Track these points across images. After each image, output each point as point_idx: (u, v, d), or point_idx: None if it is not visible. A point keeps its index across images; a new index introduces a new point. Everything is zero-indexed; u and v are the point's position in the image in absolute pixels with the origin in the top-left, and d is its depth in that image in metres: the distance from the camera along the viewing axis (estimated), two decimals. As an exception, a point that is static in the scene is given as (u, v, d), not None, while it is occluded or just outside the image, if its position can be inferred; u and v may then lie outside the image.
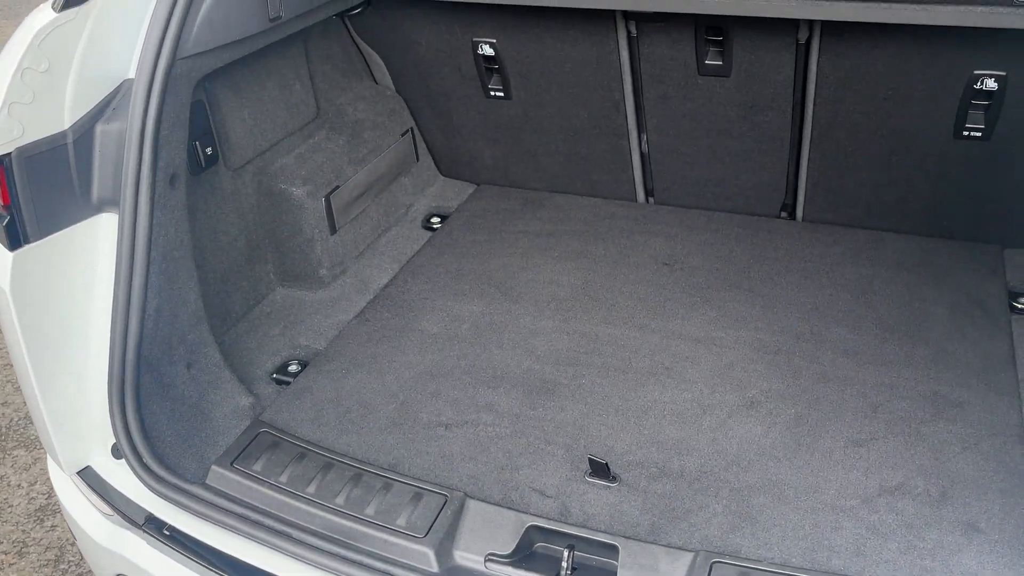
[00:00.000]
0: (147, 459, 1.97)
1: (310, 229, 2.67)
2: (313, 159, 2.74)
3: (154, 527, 1.96)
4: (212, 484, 1.97)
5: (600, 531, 1.83)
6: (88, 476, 2.09)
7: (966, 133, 2.49)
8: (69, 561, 3.55)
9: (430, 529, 1.82)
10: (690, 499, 1.91)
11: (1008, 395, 2.11)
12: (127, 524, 2.02)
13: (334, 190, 2.73)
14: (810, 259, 2.72)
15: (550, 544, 1.82)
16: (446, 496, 1.90)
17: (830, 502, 1.88)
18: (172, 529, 1.93)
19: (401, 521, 1.84)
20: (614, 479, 1.97)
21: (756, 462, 2.00)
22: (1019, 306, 2.43)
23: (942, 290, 2.51)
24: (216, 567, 1.86)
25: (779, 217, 2.95)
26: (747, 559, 1.74)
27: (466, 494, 1.91)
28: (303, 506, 1.90)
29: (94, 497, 2.07)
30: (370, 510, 1.88)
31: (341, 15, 2.92)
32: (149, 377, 2.04)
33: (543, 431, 2.13)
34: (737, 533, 1.82)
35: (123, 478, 2.05)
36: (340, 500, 1.90)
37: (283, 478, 1.96)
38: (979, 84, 2.38)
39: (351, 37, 3.09)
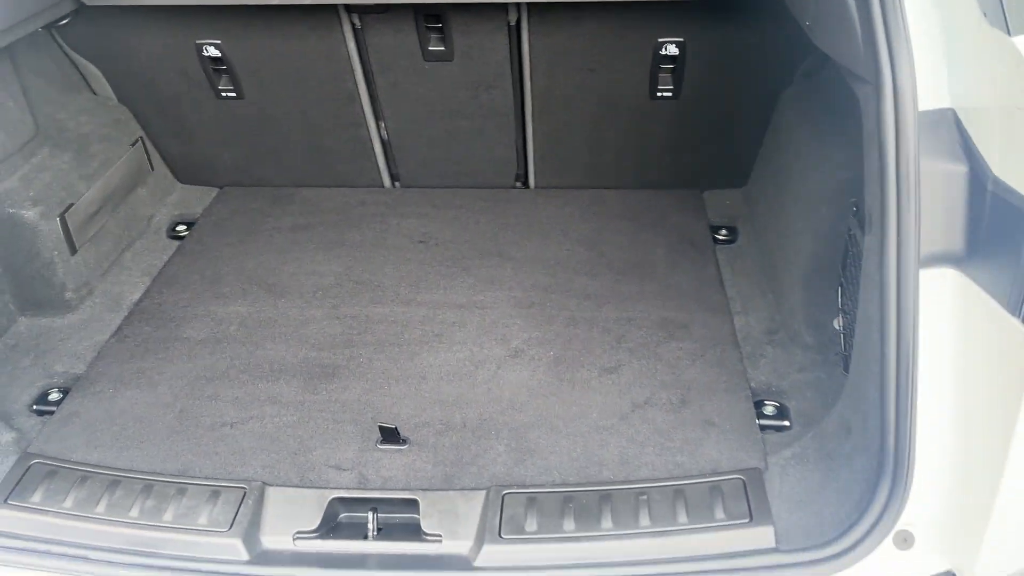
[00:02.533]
0: None
1: (48, 252, 2.54)
2: (40, 178, 2.60)
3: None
4: None
5: (398, 489, 1.96)
6: None
7: (659, 94, 2.87)
8: None
9: (233, 521, 1.86)
10: (476, 445, 2.09)
11: (721, 312, 2.49)
12: None
13: (68, 208, 2.61)
14: (547, 221, 3.00)
15: (354, 512, 1.93)
16: (244, 488, 1.94)
17: (594, 424, 2.13)
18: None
19: (202, 520, 1.86)
20: (404, 442, 2.10)
21: (528, 402, 2.22)
22: (720, 238, 2.86)
23: (659, 233, 2.88)
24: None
25: (514, 187, 3.21)
26: (532, 486, 1.95)
27: (264, 483, 1.96)
28: (95, 526, 1.85)
29: None
30: (168, 516, 1.88)
31: (48, 27, 2.77)
32: None
33: (330, 412, 2.21)
34: (521, 466, 2.02)
35: None
36: (134, 513, 1.88)
37: (67, 503, 1.90)
38: (664, 50, 2.75)
39: (62, 50, 2.94)
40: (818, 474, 1.87)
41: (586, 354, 2.38)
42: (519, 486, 1.94)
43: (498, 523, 1.83)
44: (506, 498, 1.89)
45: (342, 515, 1.93)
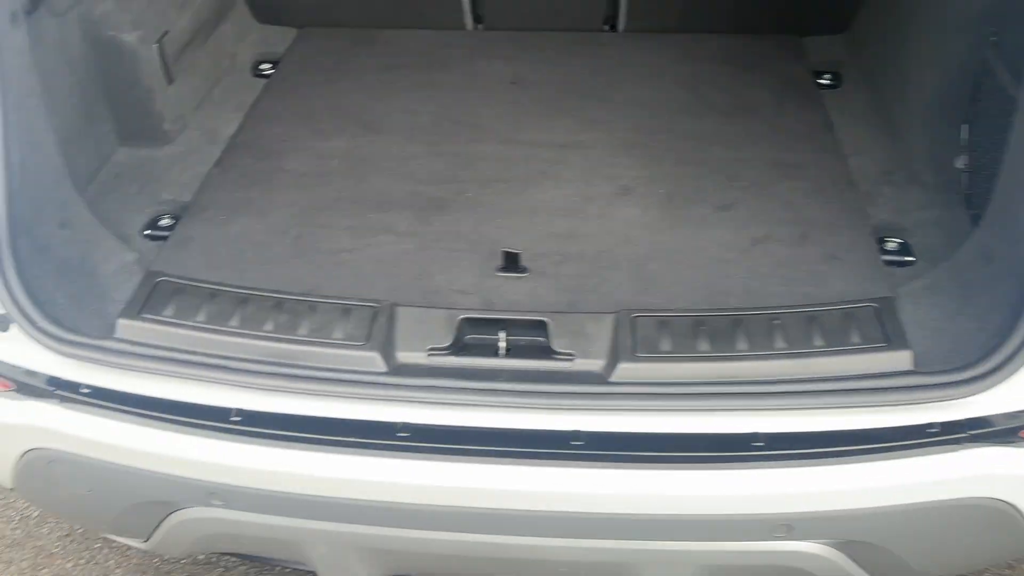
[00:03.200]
0: (42, 323, 1.85)
1: (147, 79, 2.50)
2: (135, 2, 2.52)
3: (69, 389, 1.86)
4: (123, 337, 1.90)
5: (525, 312, 1.97)
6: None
7: None
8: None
9: (369, 336, 1.88)
10: (595, 275, 2.09)
11: (833, 152, 2.45)
12: (29, 395, 1.91)
13: (164, 35, 2.55)
14: (640, 64, 2.92)
15: (483, 331, 1.94)
16: (375, 306, 1.95)
17: (714, 257, 2.13)
18: (92, 388, 1.85)
19: (338, 334, 1.89)
20: (524, 270, 2.11)
21: (643, 237, 2.21)
22: (823, 83, 2.79)
23: (760, 77, 2.80)
24: (154, 414, 1.82)
25: (603, 31, 3.11)
26: (658, 310, 1.95)
27: (393, 303, 1.98)
28: (231, 339, 1.88)
29: (-16, 376, 1.93)
30: (303, 331, 1.90)
31: None
32: (25, 241, 1.89)
33: (445, 242, 2.21)
34: (644, 294, 2.03)
35: (10, 350, 1.92)
36: (269, 327, 1.90)
37: (200, 317, 1.93)
38: None
39: None
40: (953, 302, 1.87)
41: (699, 192, 2.35)
42: (648, 310, 1.95)
43: (631, 343, 1.85)
44: (637, 320, 1.90)
45: (472, 334, 1.95)
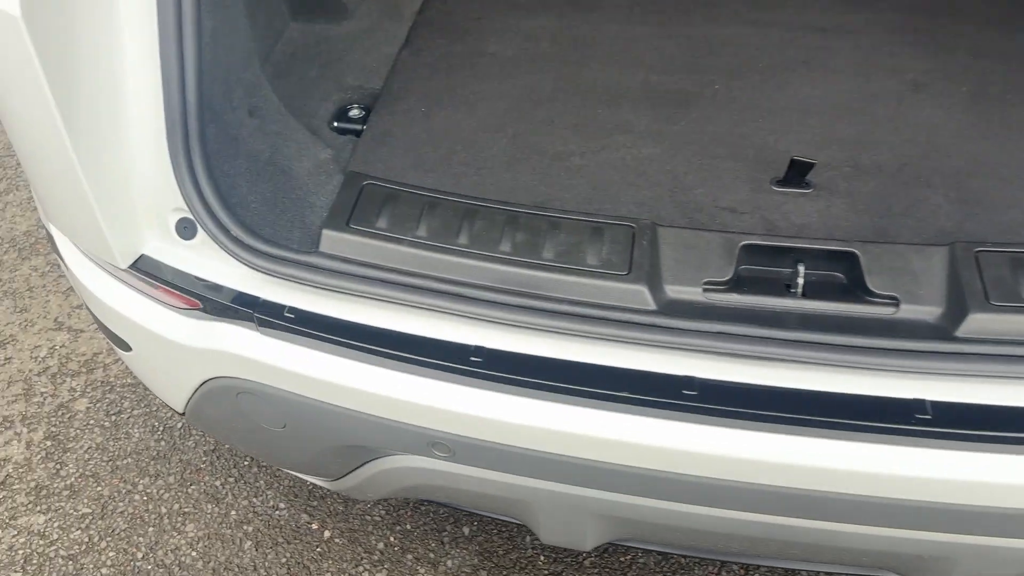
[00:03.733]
0: (237, 232, 1.53)
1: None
2: None
3: (268, 312, 1.55)
4: (329, 251, 1.56)
5: (824, 239, 1.56)
6: (147, 266, 1.63)
7: None
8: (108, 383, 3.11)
9: (631, 264, 1.50)
10: (903, 194, 1.66)
11: None
12: (219, 316, 1.60)
13: None
14: None
15: (771, 263, 1.55)
16: (632, 227, 1.57)
17: None
18: (298, 312, 1.53)
19: (592, 260, 1.51)
20: (808, 185, 1.68)
21: (954, 146, 1.75)
22: None
23: None
24: (373, 348, 1.49)
25: None
26: (1004, 244, 1.52)
27: (653, 221, 1.59)
28: (462, 260, 1.52)
29: (164, 291, 1.62)
30: (548, 254, 1.53)
31: None
32: (214, 128, 1.55)
33: (699, 145, 1.79)
34: (973, 221, 1.59)
35: (198, 262, 1.60)
36: (506, 247, 1.54)
37: (422, 231, 1.57)
38: None
39: None
40: None
41: (1011, 92, 1.86)
42: (993, 244, 1.51)
43: (980, 286, 1.43)
44: (981, 256, 1.48)
45: (757, 265, 1.55)
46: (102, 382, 3.02)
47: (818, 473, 1.38)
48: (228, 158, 1.57)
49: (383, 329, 1.49)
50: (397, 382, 1.48)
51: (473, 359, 1.44)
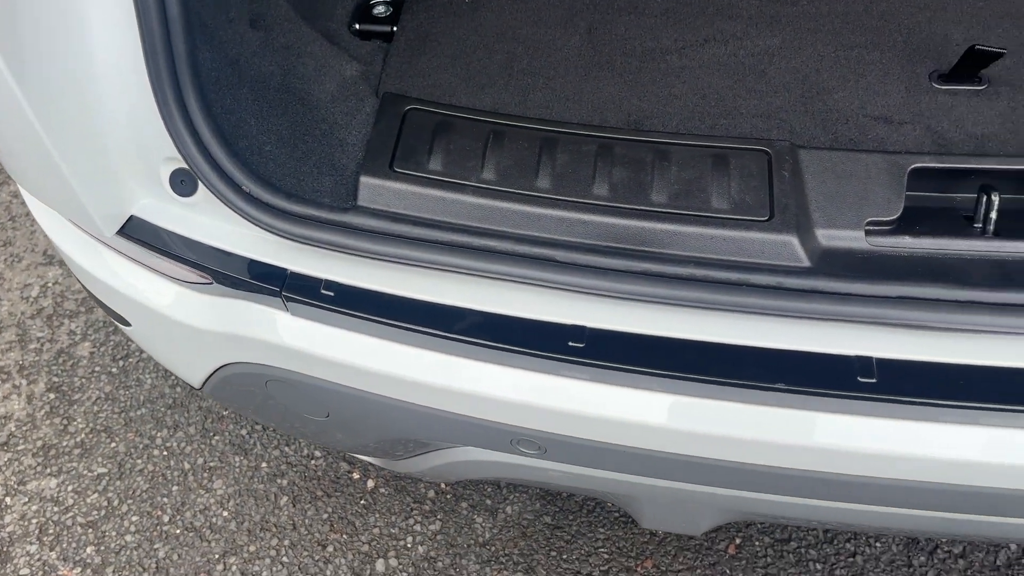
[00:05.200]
0: (248, 185, 1.16)
1: None
2: None
3: (299, 288, 1.20)
4: (370, 205, 1.20)
5: (1015, 156, 1.19)
6: (139, 231, 1.27)
7: None
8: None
9: (772, 205, 1.14)
10: (1110, 87, 1.27)
11: None
12: (235, 291, 1.26)
13: None
14: None
15: (949, 191, 1.19)
16: (767, 152, 1.20)
17: None
18: (336, 286, 1.18)
19: (719, 203, 1.15)
20: (981, 80, 1.30)
21: None
22: None
23: None
24: (437, 332, 1.15)
25: None
26: None
27: (792, 143, 1.21)
28: (543, 210, 1.16)
29: (164, 261, 1.27)
30: (659, 197, 1.17)
31: None
32: (208, 51, 1.16)
33: (828, 30, 1.39)
34: None
35: (204, 223, 1.25)
36: (602, 191, 1.18)
37: (488, 174, 1.20)
38: None
39: None
40: None
41: None
42: None
43: None
44: None
45: (929, 193, 1.19)
46: (104, 322, 2.70)
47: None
48: (229, 87, 1.18)
49: (447, 306, 1.15)
50: (469, 372, 1.15)
51: (572, 344, 1.10)
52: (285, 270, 1.20)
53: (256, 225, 1.16)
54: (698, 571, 2.17)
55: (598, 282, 1.10)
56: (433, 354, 1.17)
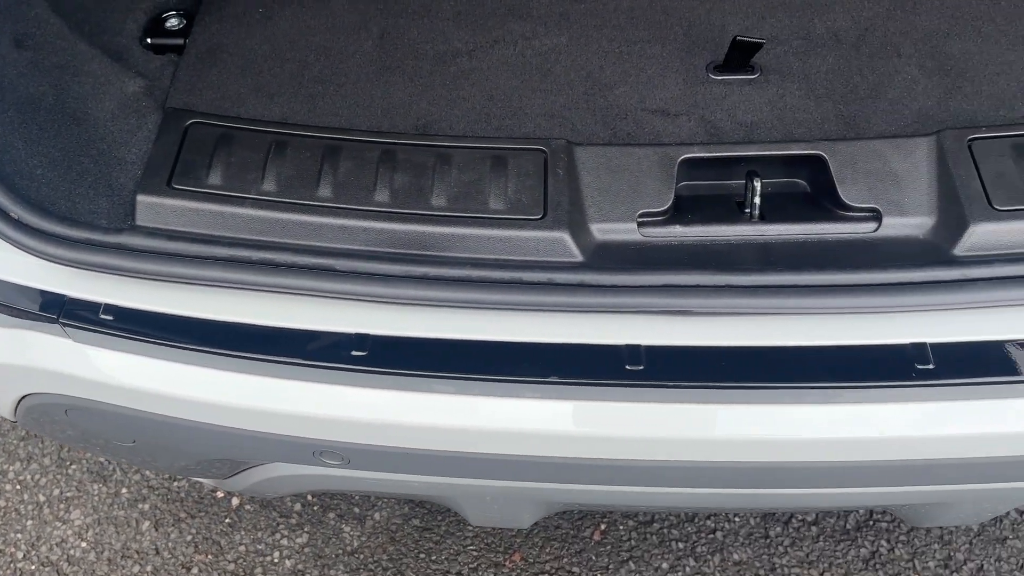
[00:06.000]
0: (15, 210, 1.13)
1: None
2: None
3: (77, 314, 1.17)
4: (148, 224, 1.18)
5: (779, 142, 1.24)
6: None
7: None
8: None
9: (546, 203, 1.17)
10: (868, 69, 1.33)
11: None
12: (19, 320, 1.22)
13: None
14: None
15: (718, 177, 1.23)
16: (543, 150, 1.22)
17: None
18: (116, 310, 1.16)
19: (496, 204, 1.17)
20: (753, 68, 1.34)
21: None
22: None
23: None
24: (223, 350, 1.14)
25: None
26: (1000, 126, 1.22)
27: (568, 141, 1.24)
28: (323, 219, 1.16)
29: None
30: (439, 200, 1.18)
31: None
32: (-40, 75, 1.12)
33: (614, 26, 1.42)
34: (958, 96, 1.28)
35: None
36: (383, 197, 1.18)
37: (268, 185, 1.19)
38: None
39: None
40: None
41: None
42: (983, 127, 1.22)
43: (980, 186, 1.14)
44: (975, 147, 1.18)
45: (698, 183, 1.23)
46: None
47: (784, 446, 1.12)
48: (-8, 111, 1.15)
49: (229, 323, 1.14)
50: (258, 388, 1.14)
51: (355, 353, 1.10)
52: (63, 296, 1.17)
53: (27, 252, 1.13)
54: (565, 560, 2.20)
55: (377, 289, 1.10)
56: (221, 373, 1.15)
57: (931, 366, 1.04)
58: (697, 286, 1.08)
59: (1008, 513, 2.19)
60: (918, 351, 1.05)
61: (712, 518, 2.25)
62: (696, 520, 2.25)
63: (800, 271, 1.10)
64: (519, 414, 1.11)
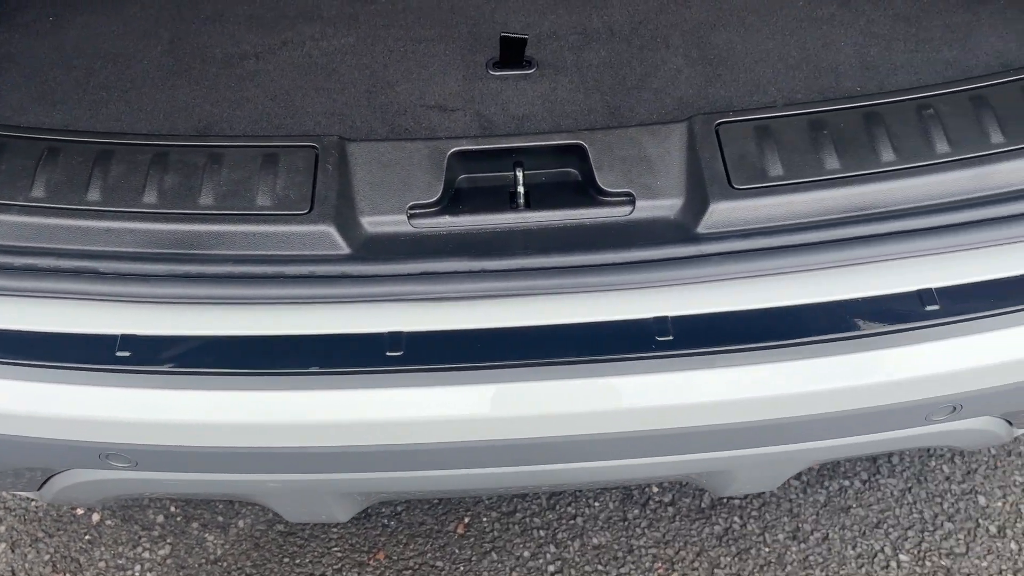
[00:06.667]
0: None
1: None
2: None
3: None
4: None
5: (546, 133, 1.29)
6: None
7: None
8: None
9: (313, 198, 1.20)
10: (639, 61, 1.40)
11: None
12: None
13: None
14: None
15: (488, 169, 1.27)
16: (314, 147, 1.25)
17: (804, 16, 1.44)
18: None
19: (264, 200, 1.19)
20: (530, 64, 1.40)
21: None
22: None
23: None
24: None
25: None
26: (750, 110, 1.29)
27: (340, 137, 1.27)
28: (93, 223, 1.17)
29: None
30: (207, 199, 1.20)
31: None
32: None
33: (401, 26, 1.46)
34: (717, 84, 1.35)
35: None
36: (151, 198, 1.20)
37: (37, 192, 1.20)
38: None
39: None
40: None
41: None
42: (733, 111, 1.28)
43: (722, 167, 1.20)
44: (722, 130, 1.25)
45: (470, 175, 1.27)
46: None
47: (548, 420, 1.16)
48: None
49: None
50: (24, 392, 1.14)
51: (120, 354, 1.12)
52: None
53: None
54: (428, 555, 2.22)
55: (139, 288, 1.12)
56: (-9, 379, 1.16)
57: (670, 337, 1.10)
58: (454, 272, 1.12)
59: (852, 482, 2.29)
60: (659, 324, 1.11)
61: (573, 504, 2.30)
62: (557, 508, 2.30)
63: (554, 254, 1.15)
64: (287, 406, 1.13)
